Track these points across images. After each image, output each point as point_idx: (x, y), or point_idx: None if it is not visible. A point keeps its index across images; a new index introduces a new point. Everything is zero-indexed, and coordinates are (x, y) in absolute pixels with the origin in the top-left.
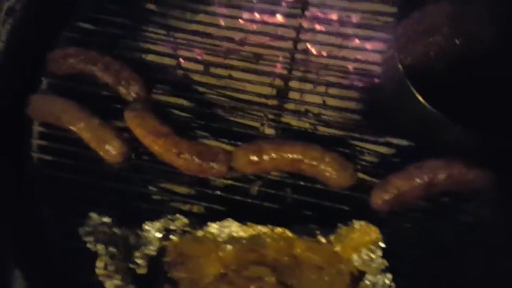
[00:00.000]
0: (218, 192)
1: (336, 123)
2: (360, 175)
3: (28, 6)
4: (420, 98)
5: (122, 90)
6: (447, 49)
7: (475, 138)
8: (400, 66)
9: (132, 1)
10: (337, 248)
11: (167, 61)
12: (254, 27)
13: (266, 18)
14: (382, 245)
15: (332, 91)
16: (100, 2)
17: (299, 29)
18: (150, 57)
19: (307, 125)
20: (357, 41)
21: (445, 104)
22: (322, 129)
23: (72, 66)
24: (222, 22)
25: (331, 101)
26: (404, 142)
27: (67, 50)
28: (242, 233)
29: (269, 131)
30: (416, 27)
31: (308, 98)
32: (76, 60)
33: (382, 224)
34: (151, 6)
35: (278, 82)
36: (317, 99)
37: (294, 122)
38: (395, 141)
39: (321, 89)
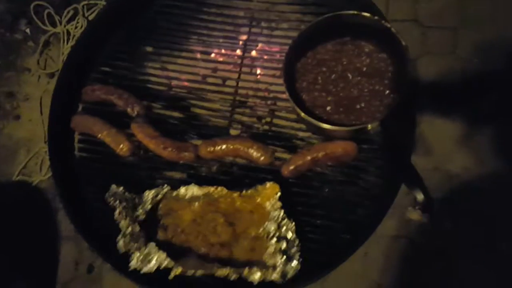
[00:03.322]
0: (192, 171)
1: (283, 126)
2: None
3: (71, 59)
4: (299, 110)
5: (129, 110)
6: (330, 75)
7: (338, 132)
8: (287, 92)
9: (135, 48)
10: (258, 199)
11: (162, 87)
12: (221, 59)
13: (229, 52)
14: (279, 194)
15: (278, 103)
16: (113, 53)
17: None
18: (150, 85)
19: (264, 127)
20: None
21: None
22: (273, 129)
23: (98, 96)
24: (199, 56)
25: (278, 110)
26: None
27: (94, 86)
28: (199, 192)
29: (234, 132)
30: (310, 61)
31: (261, 108)
32: (100, 92)
33: (289, 184)
34: (150, 49)
35: (239, 97)
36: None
37: (253, 125)
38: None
39: (270, 102)
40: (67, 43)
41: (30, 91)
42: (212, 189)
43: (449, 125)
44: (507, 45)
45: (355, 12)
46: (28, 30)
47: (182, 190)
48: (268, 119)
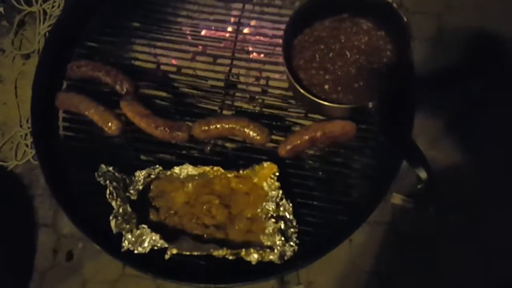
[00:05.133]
0: (184, 152)
1: (275, 106)
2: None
3: (55, 33)
4: (299, 87)
5: (117, 87)
6: (328, 53)
7: (337, 110)
8: (286, 69)
9: (122, 23)
10: (255, 180)
11: (150, 65)
12: (212, 36)
13: (221, 30)
14: (277, 174)
15: (271, 82)
16: (99, 27)
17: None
18: (138, 63)
19: (257, 108)
20: None
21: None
22: (266, 110)
23: (84, 73)
24: (188, 33)
25: (271, 90)
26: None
27: (80, 62)
28: (194, 172)
29: (227, 112)
30: (308, 38)
31: (253, 88)
32: (86, 68)
33: (284, 165)
34: (137, 24)
35: (232, 77)
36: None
37: (245, 106)
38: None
39: (263, 82)
40: (44, 23)
41: (4, 73)
42: (207, 169)
43: (434, 111)
44: (491, 30)
45: None
46: (1, 9)
47: (176, 169)
48: (260, 100)
